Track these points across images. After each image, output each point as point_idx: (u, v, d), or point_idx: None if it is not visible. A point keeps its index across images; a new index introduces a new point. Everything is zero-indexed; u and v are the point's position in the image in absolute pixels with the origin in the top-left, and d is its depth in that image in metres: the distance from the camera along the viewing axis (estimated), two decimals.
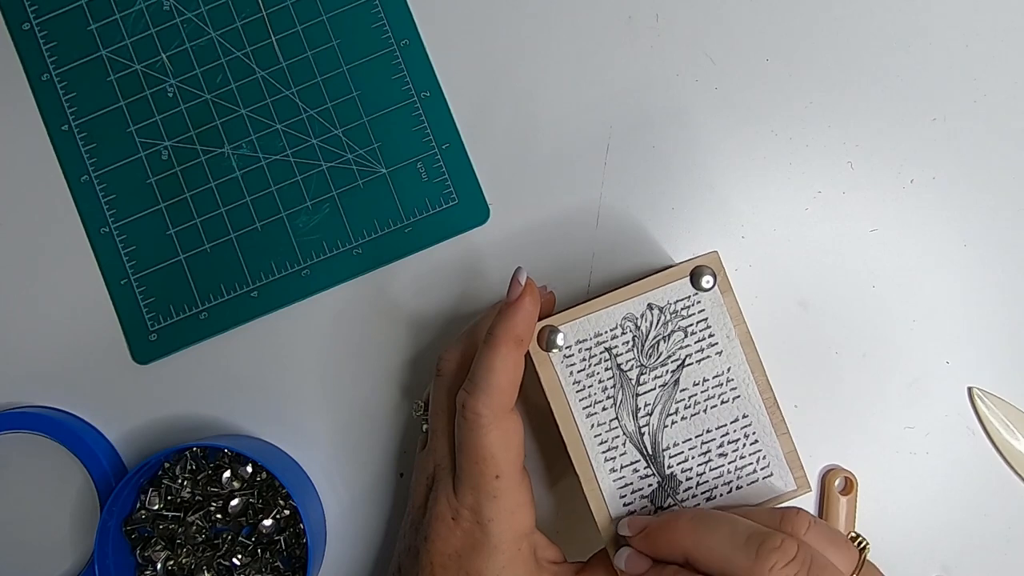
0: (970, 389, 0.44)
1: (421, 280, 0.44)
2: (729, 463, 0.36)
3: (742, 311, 0.37)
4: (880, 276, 0.44)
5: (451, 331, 0.44)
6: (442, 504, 0.36)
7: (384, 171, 0.44)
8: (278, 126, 0.44)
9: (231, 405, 0.44)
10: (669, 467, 0.36)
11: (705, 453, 0.36)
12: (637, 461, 0.36)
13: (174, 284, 0.44)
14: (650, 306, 0.36)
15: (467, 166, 0.44)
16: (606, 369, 0.36)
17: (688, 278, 0.37)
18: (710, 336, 0.37)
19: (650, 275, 0.37)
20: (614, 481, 0.36)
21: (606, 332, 0.36)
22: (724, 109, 0.45)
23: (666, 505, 0.36)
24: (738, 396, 0.36)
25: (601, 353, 0.36)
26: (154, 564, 0.41)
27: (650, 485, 0.36)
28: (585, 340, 0.36)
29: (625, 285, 0.37)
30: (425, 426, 0.40)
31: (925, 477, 0.44)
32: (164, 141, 0.44)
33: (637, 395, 0.36)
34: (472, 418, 0.35)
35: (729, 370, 0.36)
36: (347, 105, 0.44)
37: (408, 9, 0.45)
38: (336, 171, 0.44)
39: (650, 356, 0.36)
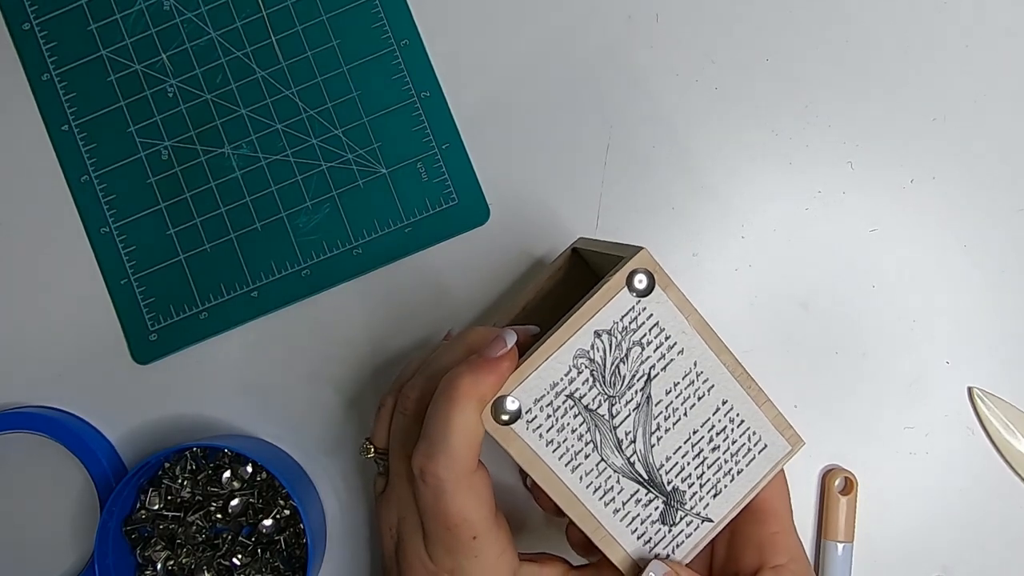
0: (970, 389, 0.44)
1: (421, 280, 0.44)
2: (724, 452, 0.35)
3: (689, 300, 0.35)
4: (880, 276, 0.44)
5: (451, 331, 0.44)
6: (416, 568, 0.33)
7: (384, 171, 0.44)
8: (278, 126, 0.44)
9: (231, 405, 0.44)
10: (669, 482, 0.35)
11: (698, 454, 0.35)
12: (636, 491, 0.35)
13: (174, 284, 0.44)
14: (597, 333, 0.34)
15: (467, 166, 0.44)
16: (575, 416, 0.34)
17: (625, 289, 0.34)
18: (667, 339, 0.34)
19: (584, 302, 0.34)
20: (620, 520, 0.35)
21: (562, 379, 0.33)
22: (724, 109, 0.45)
23: (677, 519, 0.35)
24: (712, 386, 0.35)
25: (564, 403, 0.34)
26: (154, 564, 0.41)
27: (656, 508, 0.35)
28: (543, 396, 0.33)
29: (561, 322, 0.34)
30: (383, 465, 0.37)
31: (925, 477, 0.44)
32: (164, 141, 0.44)
33: (615, 428, 0.34)
34: (435, 483, 0.31)
35: (696, 364, 0.35)
36: (347, 105, 0.44)
37: (408, 9, 0.45)
38: (336, 171, 0.44)
39: (614, 384, 0.34)
